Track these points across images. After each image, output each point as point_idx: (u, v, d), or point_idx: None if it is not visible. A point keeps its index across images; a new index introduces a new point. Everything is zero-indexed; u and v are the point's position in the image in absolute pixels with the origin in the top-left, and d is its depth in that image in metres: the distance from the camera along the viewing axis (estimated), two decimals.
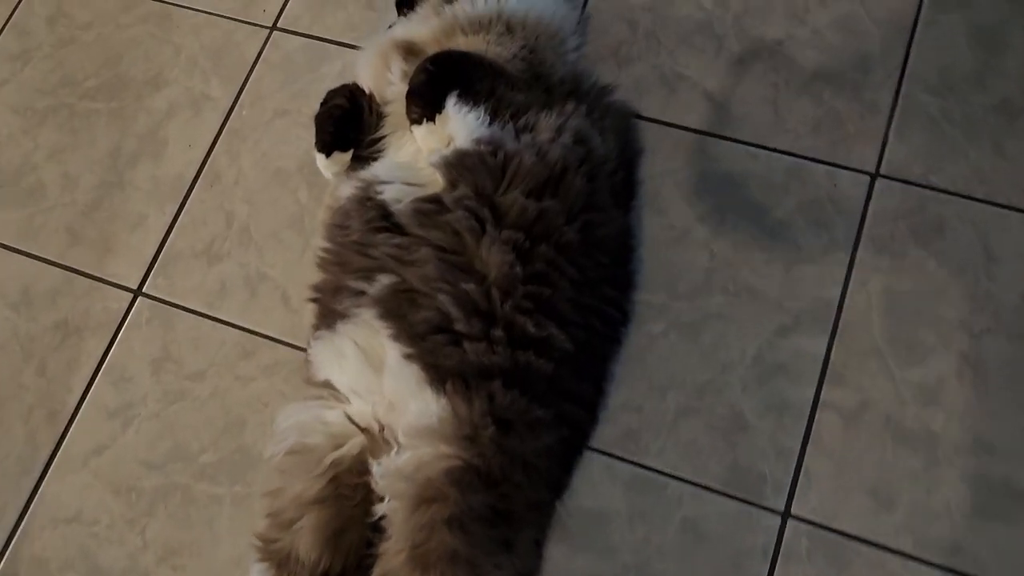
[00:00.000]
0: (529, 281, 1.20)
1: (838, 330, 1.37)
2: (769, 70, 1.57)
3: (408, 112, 1.32)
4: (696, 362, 1.38)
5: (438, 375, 1.17)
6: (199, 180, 1.64)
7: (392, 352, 1.21)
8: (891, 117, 1.50)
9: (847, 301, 1.39)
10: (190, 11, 1.80)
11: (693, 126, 1.54)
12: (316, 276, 1.39)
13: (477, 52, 1.36)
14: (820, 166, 1.48)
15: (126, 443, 1.46)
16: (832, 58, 1.56)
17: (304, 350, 1.41)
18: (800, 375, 1.35)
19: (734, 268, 1.43)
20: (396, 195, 1.29)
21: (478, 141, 1.27)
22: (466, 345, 1.18)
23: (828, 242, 1.43)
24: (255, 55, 1.73)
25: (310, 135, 1.47)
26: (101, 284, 1.59)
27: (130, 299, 1.57)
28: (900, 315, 1.37)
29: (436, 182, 1.30)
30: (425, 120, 1.30)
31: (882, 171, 1.46)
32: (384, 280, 1.25)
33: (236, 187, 1.63)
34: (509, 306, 1.19)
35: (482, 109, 1.28)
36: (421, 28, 1.45)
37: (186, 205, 1.63)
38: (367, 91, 1.47)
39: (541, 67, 1.38)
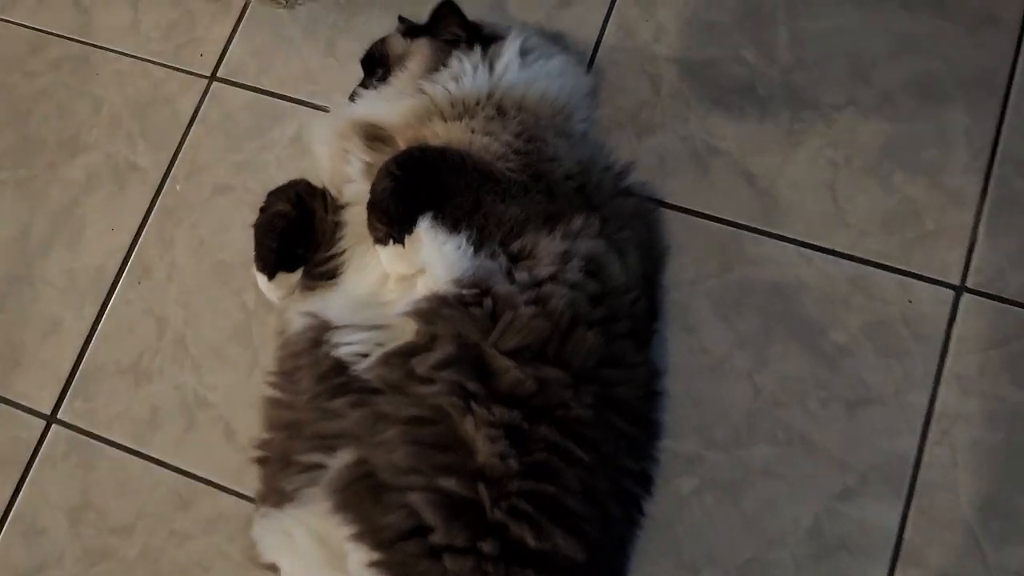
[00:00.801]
0: (528, 475, 0.92)
1: (914, 494, 1.10)
2: (826, 145, 1.26)
3: (370, 228, 1.02)
4: (737, 533, 1.11)
5: None
6: (124, 275, 1.34)
7: (354, 556, 0.94)
8: (980, 211, 1.20)
9: (925, 456, 1.11)
10: (112, 54, 1.47)
11: (731, 218, 1.24)
12: (263, 422, 1.11)
13: (458, 148, 1.05)
14: (890, 275, 1.19)
15: None
16: (905, 130, 1.25)
17: (253, 500, 1.14)
18: (867, 552, 1.08)
19: (783, 409, 1.15)
20: (356, 349, 1.00)
21: (459, 282, 0.97)
22: (447, 560, 0.90)
23: (901, 377, 1.14)
24: (191, 113, 1.41)
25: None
26: (6, 407, 1.31)
27: (42, 427, 1.29)
28: (993, 476, 1.09)
29: (408, 327, 1.01)
30: (392, 241, 1.00)
31: (969, 283, 1.17)
32: (343, 458, 0.98)
33: (169, 285, 1.33)
34: (502, 509, 0.91)
35: (464, 235, 0.98)
36: (390, 108, 1.13)
37: (108, 307, 1.33)
38: (320, 188, 1.16)
39: (541, 161, 1.07)
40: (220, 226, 1.34)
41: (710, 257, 1.22)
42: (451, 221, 0.99)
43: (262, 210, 1.14)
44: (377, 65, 1.24)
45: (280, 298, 1.13)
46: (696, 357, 1.18)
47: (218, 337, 1.29)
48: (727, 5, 1.35)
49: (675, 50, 1.33)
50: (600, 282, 1.01)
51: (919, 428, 1.12)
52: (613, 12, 1.37)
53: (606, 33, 1.36)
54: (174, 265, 1.34)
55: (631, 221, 1.12)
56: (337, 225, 1.12)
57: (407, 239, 1.00)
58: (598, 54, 1.35)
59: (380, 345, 1.00)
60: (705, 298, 1.21)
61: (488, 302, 0.96)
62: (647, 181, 1.25)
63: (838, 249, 1.20)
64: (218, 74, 1.43)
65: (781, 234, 1.22)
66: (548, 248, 1.00)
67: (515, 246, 1.01)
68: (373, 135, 1.13)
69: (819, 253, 1.21)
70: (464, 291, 0.97)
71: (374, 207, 1.01)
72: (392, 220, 1.00)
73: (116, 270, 1.35)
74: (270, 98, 1.40)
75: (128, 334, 1.31)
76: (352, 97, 1.23)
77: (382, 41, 1.27)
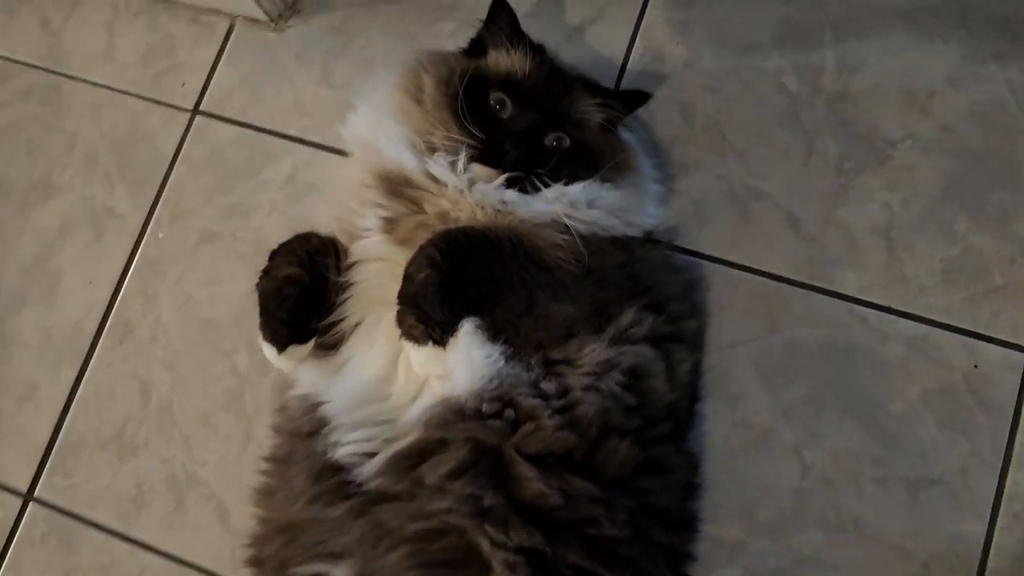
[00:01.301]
0: None
1: None
2: (881, 186, 1.13)
3: (402, 324, 0.89)
4: None
5: None
6: (104, 334, 1.23)
7: None
8: None
9: (995, 543, 1.00)
10: (86, 84, 1.34)
11: (774, 270, 1.11)
12: (256, 513, 1.00)
13: (508, 231, 0.93)
14: (954, 336, 1.06)
15: None
16: (970, 168, 1.11)
17: None
18: None
19: (835, 490, 1.03)
20: (358, 449, 0.88)
21: (481, 393, 0.85)
22: None
23: (968, 453, 1.02)
24: (173, 150, 1.28)
25: (250, 271, 1.05)
26: None
27: (19, 506, 1.18)
28: None
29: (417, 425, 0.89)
30: (431, 343, 0.87)
31: None
32: (345, 572, 0.86)
33: (153, 345, 1.21)
34: None
35: (499, 345, 0.87)
36: (425, 168, 0.99)
37: (87, 370, 1.21)
38: (329, 239, 1.03)
39: (596, 253, 0.95)
40: (208, 279, 1.22)
41: (752, 316, 1.10)
42: (495, 329, 0.87)
43: (266, 272, 1.00)
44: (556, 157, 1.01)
45: (291, 370, 1.00)
46: (738, 431, 1.06)
47: (208, 405, 1.17)
48: (766, 25, 1.20)
49: (709, 76, 1.19)
50: (640, 395, 0.89)
51: (987, 512, 1.00)
52: (639, 33, 1.23)
53: (631, 57, 1.22)
54: (158, 323, 1.21)
55: (681, 303, 1.00)
56: (342, 286, 0.99)
57: (449, 343, 0.87)
58: (623, 80, 1.22)
59: (385, 442, 0.88)
60: (747, 363, 1.08)
61: (510, 412, 0.84)
62: (678, 225, 1.13)
63: (895, 306, 1.08)
64: (202, 106, 1.29)
65: (831, 289, 1.10)
66: (591, 356, 0.89)
67: (558, 354, 0.89)
68: (397, 190, 0.99)
69: (874, 311, 1.08)
70: (484, 404, 0.85)
71: (413, 303, 0.87)
72: (434, 321, 0.87)
73: (95, 329, 1.23)
74: (260, 134, 1.27)
75: (109, 401, 1.20)
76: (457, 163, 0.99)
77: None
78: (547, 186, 0.97)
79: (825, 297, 1.09)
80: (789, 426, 1.06)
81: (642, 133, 1.15)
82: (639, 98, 1.09)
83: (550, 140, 1.01)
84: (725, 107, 1.18)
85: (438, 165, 0.97)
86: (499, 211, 0.96)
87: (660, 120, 1.18)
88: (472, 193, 0.96)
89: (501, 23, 1.07)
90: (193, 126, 1.29)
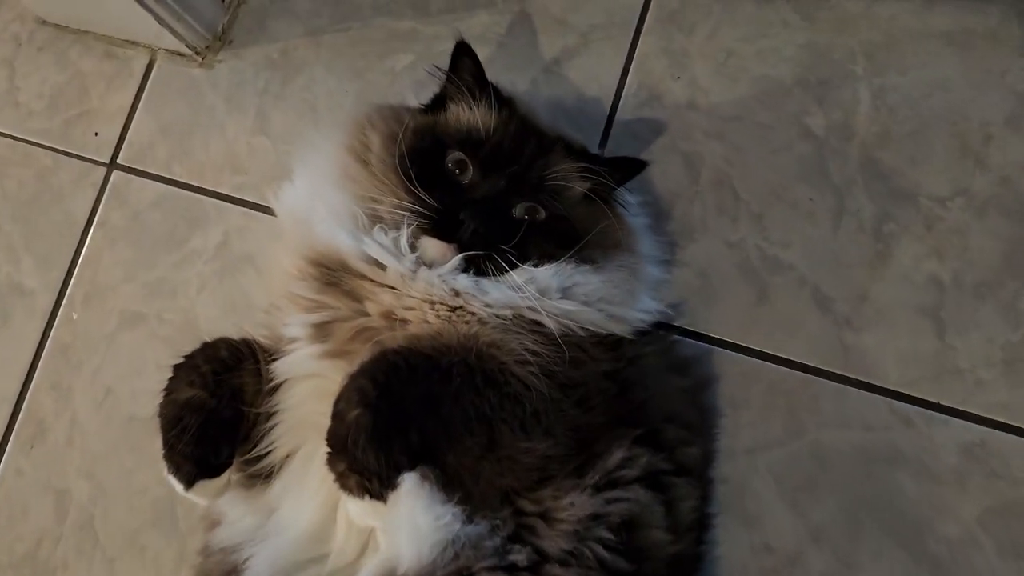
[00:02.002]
0: None
1: None
2: (927, 254, 0.94)
3: (333, 469, 0.70)
4: None
5: None
6: (12, 436, 1.05)
7: None
8: None
9: None
10: None
11: (799, 359, 0.93)
12: None
13: (461, 344, 0.74)
14: (1020, 440, 0.88)
15: None
16: None
17: None
18: None
19: None
20: None
21: (431, 569, 0.67)
22: None
23: None
24: (87, 213, 1.09)
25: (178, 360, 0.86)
26: None
27: None
28: None
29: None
30: (367, 496, 0.69)
31: None
32: None
33: (69, 450, 1.03)
34: None
35: (452, 506, 0.69)
36: (363, 248, 0.80)
37: None
38: (248, 343, 0.85)
39: (575, 363, 0.77)
40: (130, 369, 1.04)
41: (773, 416, 0.92)
42: (448, 478, 0.70)
43: (167, 393, 0.82)
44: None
45: (206, 505, 0.83)
46: (757, 558, 0.89)
47: (134, 521, 1.00)
48: (785, 55, 1.00)
49: (717, 119, 0.99)
50: (635, 553, 0.71)
51: None
52: (632, 66, 1.03)
53: (623, 96, 1.02)
54: (74, 423, 1.04)
55: (684, 419, 0.81)
56: (270, 405, 0.81)
57: (387, 496, 0.69)
58: (614, 122, 1.02)
59: None
60: (767, 474, 0.90)
61: None
62: (681, 302, 0.94)
63: (946, 403, 0.89)
64: (119, 159, 1.10)
65: (868, 382, 0.91)
66: (573, 509, 0.71)
67: (530, 505, 0.72)
68: (332, 280, 0.81)
69: (921, 409, 0.90)
70: (439, 572, 0.67)
71: (343, 449, 0.69)
72: (369, 471, 0.69)
73: (2, 430, 1.05)
74: (187, 192, 1.08)
75: (21, 515, 1.03)
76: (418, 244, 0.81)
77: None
78: (512, 267, 0.78)
79: (861, 392, 0.91)
80: (819, 553, 0.88)
81: (648, 196, 0.95)
82: (633, 167, 0.90)
83: (519, 211, 0.82)
84: (736, 157, 0.98)
85: (376, 242, 0.79)
86: (455, 310, 0.77)
87: (658, 173, 0.99)
88: (417, 280, 0.77)
89: (462, 71, 0.87)
90: (109, 184, 1.10)
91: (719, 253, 0.96)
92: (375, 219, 0.81)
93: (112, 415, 1.03)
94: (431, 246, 0.79)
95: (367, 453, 0.68)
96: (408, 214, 0.79)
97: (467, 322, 0.77)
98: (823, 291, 0.94)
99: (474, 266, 0.79)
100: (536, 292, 0.77)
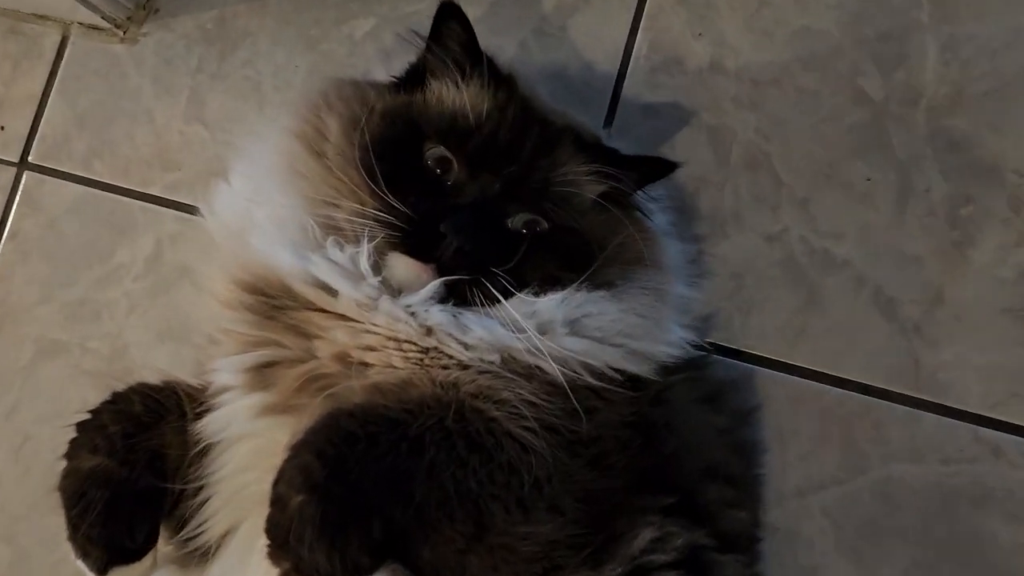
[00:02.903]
0: None
1: None
2: (1018, 240, 0.77)
3: (277, 567, 0.54)
4: None
5: None
6: None
7: None
8: None
9: None
10: None
11: (860, 378, 0.76)
12: None
13: (435, 398, 0.57)
14: None
15: None
16: None
17: None
18: None
19: None
20: None
21: None
22: None
23: None
24: None
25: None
26: None
27: None
28: None
29: None
30: None
31: None
32: None
33: None
34: None
35: None
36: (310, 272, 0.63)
37: None
38: (172, 389, 0.68)
39: (589, 429, 0.60)
40: (50, 409, 0.87)
41: (828, 449, 0.75)
42: (431, 570, 0.54)
43: (67, 460, 0.65)
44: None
45: None
46: None
47: None
48: (832, 1, 0.82)
49: (749, 84, 0.81)
50: None
51: None
52: (643, 21, 0.84)
53: (634, 57, 0.84)
54: None
55: (728, 471, 0.64)
56: (199, 473, 0.64)
57: None
58: (622, 93, 0.83)
59: None
60: (823, 520, 0.74)
61: None
62: (713, 312, 0.77)
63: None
64: (31, 158, 0.92)
65: (946, 404, 0.74)
66: None
67: None
68: (272, 311, 0.64)
69: (1012, 437, 0.73)
70: None
71: (283, 544, 0.52)
72: (320, 573, 0.52)
73: None
74: (111, 195, 0.90)
75: None
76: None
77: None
78: (506, 296, 0.61)
79: (937, 417, 0.74)
80: None
81: (667, 185, 0.76)
82: (660, 168, 0.71)
83: (516, 223, 0.65)
84: (775, 131, 0.80)
85: (328, 260, 0.61)
86: (428, 351, 0.60)
87: (679, 155, 0.81)
88: (379, 310, 0.60)
89: (448, 40, 0.69)
90: (20, 187, 0.92)
91: (757, 250, 0.79)
92: (330, 230, 0.63)
93: (32, 465, 0.87)
94: (401, 266, 0.62)
95: (316, 552, 0.51)
96: (372, 224, 0.62)
97: (445, 366, 0.60)
98: (887, 293, 0.76)
99: (456, 294, 0.61)
100: (536, 329, 0.60)
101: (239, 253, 0.66)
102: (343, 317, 0.62)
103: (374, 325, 0.61)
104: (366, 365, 0.60)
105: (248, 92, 0.88)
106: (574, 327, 0.62)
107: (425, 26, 0.70)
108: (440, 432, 0.54)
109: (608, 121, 0.82)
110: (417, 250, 0.61)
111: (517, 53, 0.84)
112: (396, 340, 0.60)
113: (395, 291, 0.62)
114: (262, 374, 0.62)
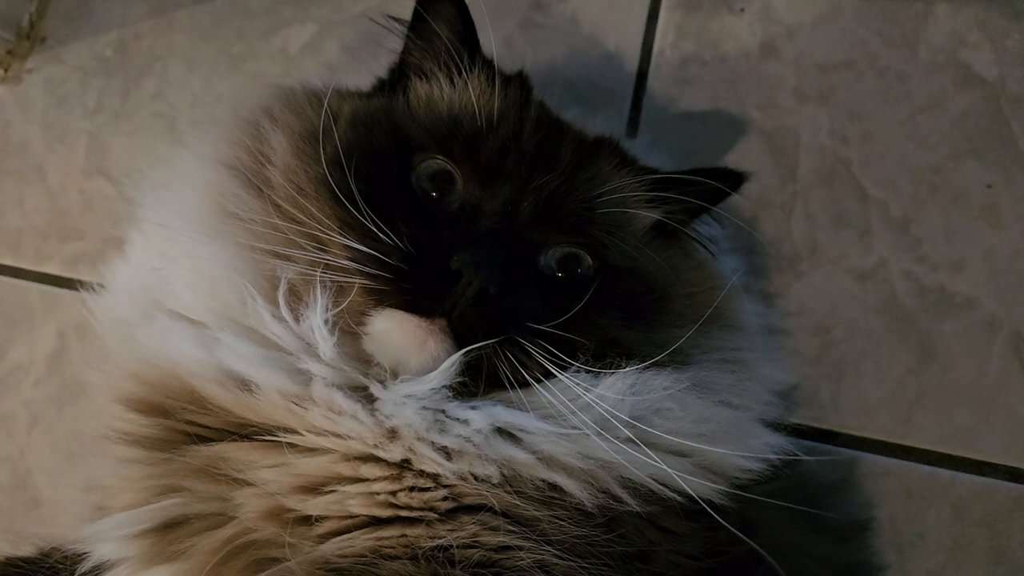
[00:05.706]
0: None
1: None
2: None
3: None
4: None
5: None
6: None
7: None
8: None
9: None
10: None
11: (1002, 459, 0.56)
12: None
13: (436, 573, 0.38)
14: None
15: None
16: None
17: None
18: None
19: None
20: None
21: None
22: None
23: None
24: None
25: (8, 535, 0.54)
26: None
27: None
28: None
29: None
30: None
31: None
32: None
33: None
34: None
35: None
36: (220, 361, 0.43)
37: None
38: (52, 561, 0.50)
39: (646, 562, 0.41)
40: None
41: (963, 554, 0.55)
42: None
43: None
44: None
45: None
46: None
47: None
48: None
49: (812, 70, 0.61)
50: None
51: None
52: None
53: (657, 46, 0.64)
54: None
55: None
56: None
57: None
58: (645, 93, 0.63)
59: None
60: None
61: None
62: (797, 383, 0.57)
63: None
64: None
65: None
66: None
67: None
68: (175, 429, 0.44)
69: None
70: None
71: None
72: None
73: None
74: (0, 278, 0.70)
75: None
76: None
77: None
78: (561, 366, 0.42)
79: None
80: None
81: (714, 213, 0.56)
82: (727, 180, 0.51)
83: (550, 259, 0.46)
84: (854, 129, 0.60)
85: (253, 341, 0.44)
86: (402, 476, 0.41)
87: (730, 162, 0.60)
88: (349, 414, 0.41)
89: (438, 27, 0.50)
90: None
91: (845, 293, 0.58)
92: (275, 291, 0.44)
93: None
94: (395, 329, 0.42)
95: None
96: (344, 269, 0.43)
97: (430, 508, 0.40)
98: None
99: (476, 373, 0.42)
100: (596, 425, 0.40)
101: (129, 354, 0.46)
102: (272, 447, 0.42)
103: (315, 434, 0.41)
104: (310, 522, 0.41)
105: (160, 131, 0.69)
106: (639, 428, 0.42)
107: (380, 31, 0.51)
108: None
109: (631, 131, 0.62)
110: (418, 302, 0.42)
111: (500, 50, 0.64)
112: (349, 459, 0.40)
113: (381, 374, 0.42)
114: (165, 538, 0.43)
